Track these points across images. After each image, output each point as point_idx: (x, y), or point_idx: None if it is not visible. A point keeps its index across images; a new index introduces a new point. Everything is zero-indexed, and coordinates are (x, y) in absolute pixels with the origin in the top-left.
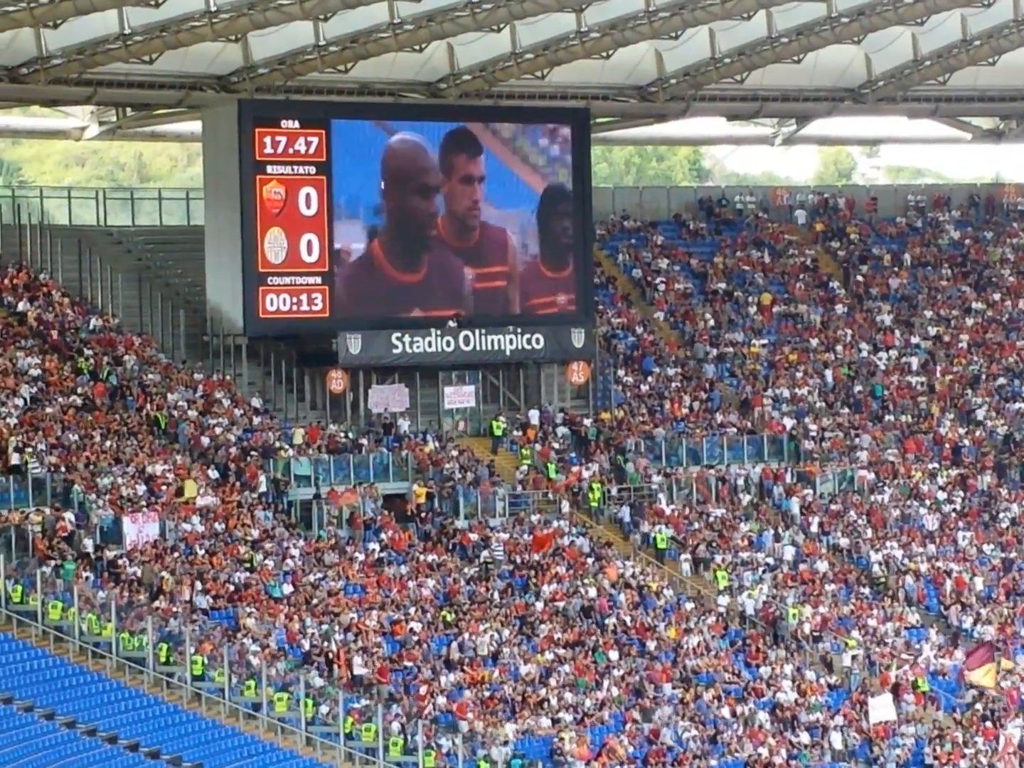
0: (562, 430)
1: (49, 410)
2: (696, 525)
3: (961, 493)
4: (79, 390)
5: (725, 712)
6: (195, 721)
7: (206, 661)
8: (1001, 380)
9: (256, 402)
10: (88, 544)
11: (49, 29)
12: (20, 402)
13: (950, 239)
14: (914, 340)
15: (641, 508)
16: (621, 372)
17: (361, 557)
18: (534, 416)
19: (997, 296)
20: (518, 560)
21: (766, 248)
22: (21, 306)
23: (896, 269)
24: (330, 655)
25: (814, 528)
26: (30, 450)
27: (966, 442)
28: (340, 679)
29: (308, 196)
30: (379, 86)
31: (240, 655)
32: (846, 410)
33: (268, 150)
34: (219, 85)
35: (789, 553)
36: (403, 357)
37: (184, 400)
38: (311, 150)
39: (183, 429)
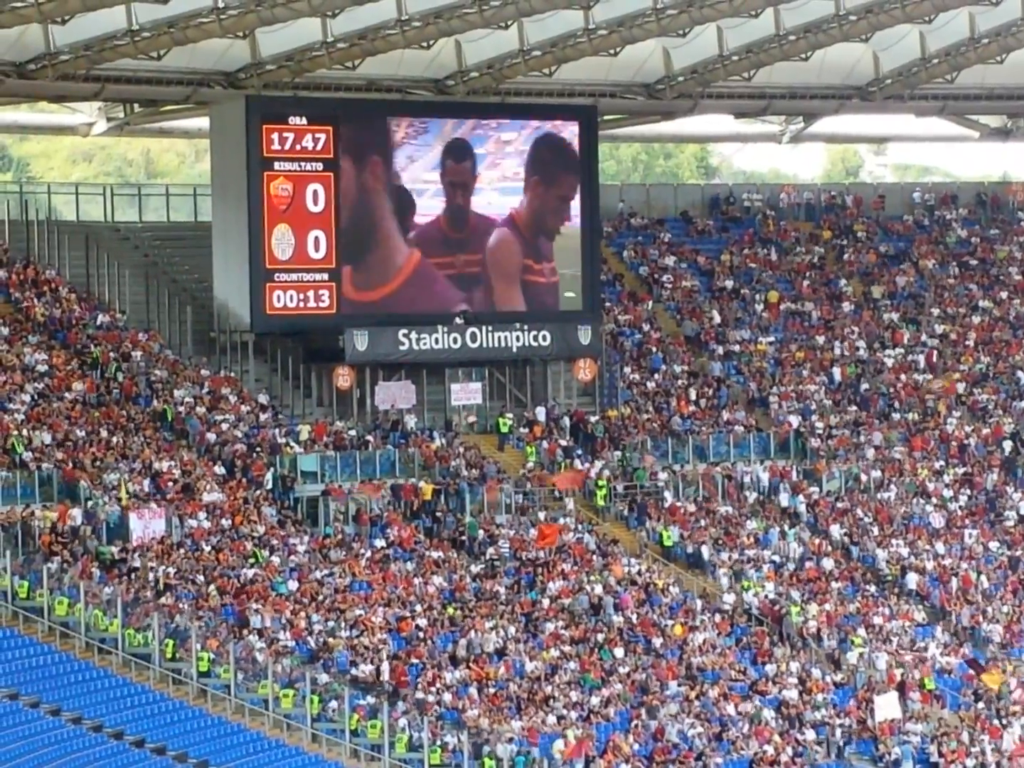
0: (565, 422)
1: (56, 405)
2: (702, 523)
3: (967, 491)
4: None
5: (731, 710)
6: (201, 717)
7: (212, 657)
8: (1009, 377)
9: (263, 398)
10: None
11: (57, 25)
12: (27, 398)
13: (957, 237)
14: (922, 338)
15: (647, 505)
16: (628, 369)
17: (367, 553)
18: (540, 413)
19: (1004, 294)
20: (524, 557)
21: (773, 246)
22: (28, 302)
23: (903, 267)
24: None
25: (825, 526)
26: (36, 445)
27: (972, 440)
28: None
29: (315, 193)
30: (387, 83)
31: (246, 651)
32: (853, 408)
33: (275, 146)
34: (227, 81)
35: (795, 551)
36: (410, 354)
37: (191, 396)
38: (319, 147)
39: (191, 425)
